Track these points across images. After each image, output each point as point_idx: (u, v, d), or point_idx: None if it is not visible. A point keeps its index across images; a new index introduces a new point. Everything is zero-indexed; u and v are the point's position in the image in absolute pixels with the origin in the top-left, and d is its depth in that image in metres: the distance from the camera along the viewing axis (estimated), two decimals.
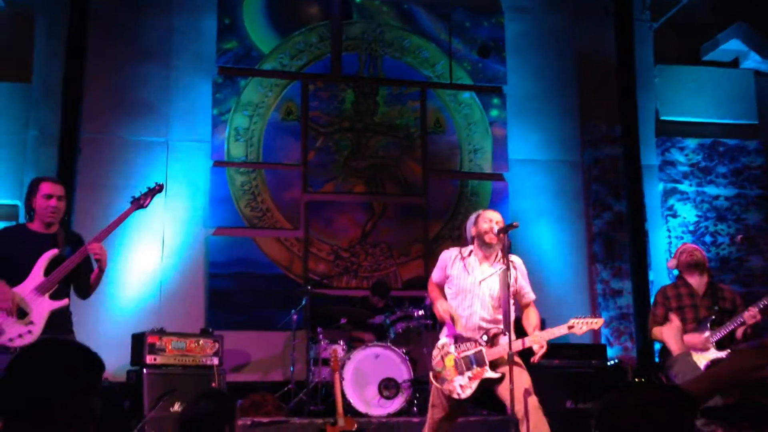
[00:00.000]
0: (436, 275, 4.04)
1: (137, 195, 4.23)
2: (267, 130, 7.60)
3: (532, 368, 6.25)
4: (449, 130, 7.98)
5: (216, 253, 7.20)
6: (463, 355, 3.84)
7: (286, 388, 6.20)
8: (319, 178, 7.62)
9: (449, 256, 4.00)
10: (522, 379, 3.81)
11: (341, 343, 6.10)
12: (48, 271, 3.85)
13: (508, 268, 3.86)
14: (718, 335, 4.46)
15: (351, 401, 5.67)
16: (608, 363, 6.67)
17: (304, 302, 6.25)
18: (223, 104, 7.52)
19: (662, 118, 8.25)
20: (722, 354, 4.44)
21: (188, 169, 7.30)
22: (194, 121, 7.43)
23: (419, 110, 7.96)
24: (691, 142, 8.26)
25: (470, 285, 3.90)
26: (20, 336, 3.72)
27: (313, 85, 7.79)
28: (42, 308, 3.80)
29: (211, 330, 5.86)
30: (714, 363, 4.40)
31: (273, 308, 6.82)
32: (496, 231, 3.89)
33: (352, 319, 6.61)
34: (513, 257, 4.01)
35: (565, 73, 8.18)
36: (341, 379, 5.43)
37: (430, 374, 3.97)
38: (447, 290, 3.98)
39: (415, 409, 5.80)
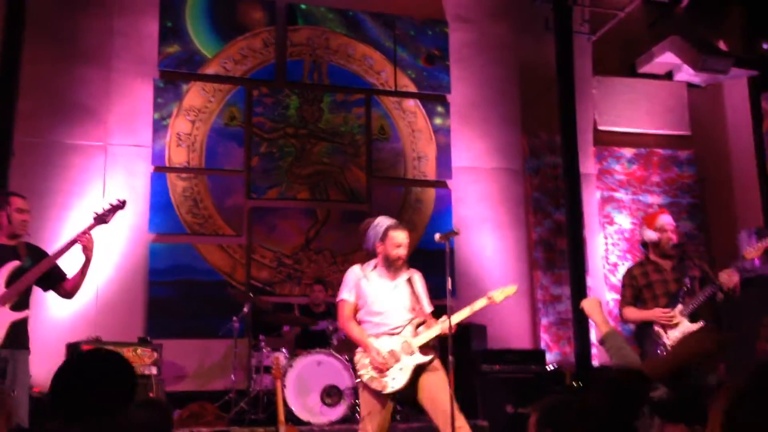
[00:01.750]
0: (348, 296, 4.05)
1: (100, 211, 4.25)
2: (210, 136, 7.51)
3: (474, 374, 6.35)
4: (394, 138, 8.03)
5: (156, 260, 7.07)
6: (387, 350, 3.93)
7: (226, 397, 6.13)
8: (262, 184, 7.57)
9: (357, 274, 4.08)
10: (443, 383, 3.95)
11: (283, 350, 6.06)
12: (9, 283, 3.90)
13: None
14: (692, 306, 4.38)
15: (293, 409, 5.64)
16: (547, 368, 6.81)
17: (245, 309, 6.19)
18: (165, 108, 7.41)
19: (600, 128, 8.47)
20: (697, 325, 4.36)
21: (128, 175, 7.16)
22: (134, 125, 7.29)
23: (364, 117, 7.99)
24: (627, 152, 8.51)
25: (382, 298, 4.01)
26: None
27: (258, 90, 7.74)
28: (3, 319, 3.83)
29: (149, 338, 5.76)
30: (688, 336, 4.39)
31: (214, 316, 6.73)
32: (404, 256, 4.03)
33: (294, 326, 6.58)
34: (413, 271, 4.16)
35: (507, 82, 8.33)
36: (283, 386, 5.40)
37: (358, 382, 4.00)
38: (360, 307, 4.05)
39: (357, 416, 5.80)
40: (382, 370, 3.89)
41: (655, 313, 4.49)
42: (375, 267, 4.07)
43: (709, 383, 4.34)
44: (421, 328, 4.01)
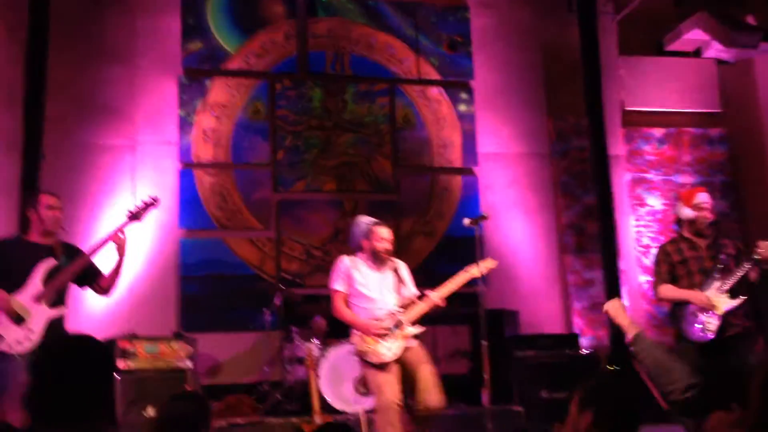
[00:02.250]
0: (340, 285, 4.43)
1: (133, 209, 4.33)
2: (235, 131, 7.54)
3: (507, 360, 6.31)
4: (418, 126, 7.99)
5: (187, 255, 7.13)
6: (381, 326, 4.34)
7: (261, 389, 6.16)
8: (288, 177, 7.59)
9: (347, 265, 4.46)
10: (426, 356, 4.42)
11: (316, 341, 6.08)
12: (46, 281, 3.98)
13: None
14: (729, 283, 4.32)
15: (327, 399, 5.66)
16: (581, 352, 6.74)
17: (276, 301, 6.21)
18: (190, 105, 7.45)
19: (628, 108, 8.34)
20: (736, 302, 4.29)
21: (156, 172, 7.22)
22: (161, 122, 7.34)
23: (388, 107, 7.95)
24: (657, 132, 8.37)
25: (372, 285, 4.43)
26: (19, 342, 3.84)
27: (281, 84, 7.75)
28: (41, 316, 3.93)
29: (183, 333, 5.81)
30: (729, 312, 4.28)
31: (246, 309, 6.77)
32: (390, 249, 4.47)
33: (326, 316, 6.58)
34: (397, 261, 4.62)
35: (531, 66, 8.24)
36: (317, 377, 5.41)
37: (359, 360, 4.36)
38: (351, 295, 4.43)
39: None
40: (380, 336, 4.27)
41: (695, 295, 4.39)
42: (363, 259, 4.48)
43: (749, 362, 4.27)
44: (410, 307, 4.45)
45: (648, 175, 8.24)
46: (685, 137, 8.40)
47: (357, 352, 4.35)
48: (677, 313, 4.50)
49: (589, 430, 2.21)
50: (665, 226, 8.01)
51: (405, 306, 4.45)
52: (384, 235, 4.48)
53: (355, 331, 4.38)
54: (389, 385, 4.23)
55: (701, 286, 4.41)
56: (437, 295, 4.44)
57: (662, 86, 8.42)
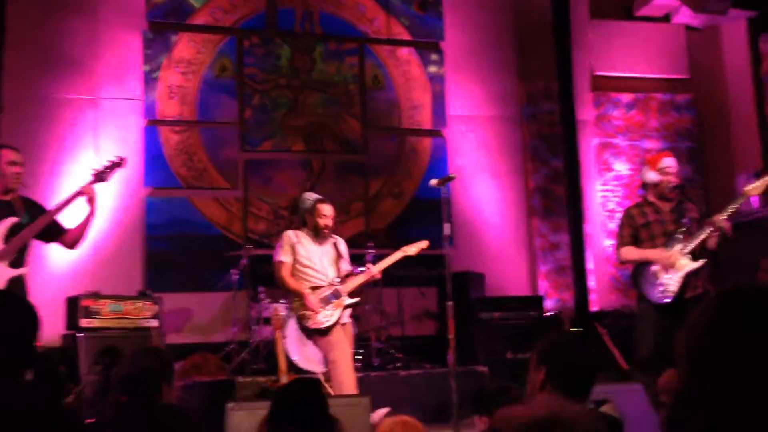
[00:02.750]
0: (286, 257, 4.74)
1: (99, 168, 4.23)
2: (201, 88, 7.39)
3: (473, 322, 6.38)
4: (388, 87, 7.92)
5: (152, 214, 7.02)
6: (321, 295, 4.72)
7: (227, 349, 6.15)
8: (256, 136, 7.48)
9: (291, 239, 4.76)
10: (350, 339, 4.89)
11: (283, 301, 6.06)
12: (7, 239, 3.86)
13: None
14: (691, 245, 4.41)
15: (293, 359, 5.66)
16: (546, 314, 6.85)
17: (244, 262, 6.17)
18: (155, 60, 7.26)
19: (597, 73, 8.35)
20: (697, 264, 4.39)
21: (120, 129, 7.05)
22: (124, 77, 7.15)
23: (357, 66, 7.86)
24: (625, 97, 8.41)
25: (314, 258, 4.78)
26: None
27: (248, 41, 7.59)
28: (1, 275, 3.82)
29: (149, 292, 5.75)
30: (690, 274, 4.40)
31: (212, 269, 6.71)
32: (330, 225, 4.80)
33: None
34: (337, 237, 4.97)
35: (503, 28, 8.18)
36: (283, 337, 5.40)
37: (298, 325, 4.69)
38: (295, 265, 4.75)
39: (358, 364, 5.84)
40: (317, 310, 4.63)
41: (657, 253, 4.48)
42: (306, 234, 4.79)
43: None
44: (348, 279, 4.84)
45: (615, 140, 8.30)
46: (652, 103, 8.46)
47: (297, 317, 4.66)
48: (639, 274, 4.59)
49: (543, 387, 2.25)
50: (631, 191, 8.10)
51: (343, 278, 4.83)
52: (326, 212, 4.78)
53: (295, 298, 4.72)
54: (339, 345, 4.66)
55: (663, 247, 4.49)
56: (376, 268, 4.90)
57: (631, 51, 8.43)
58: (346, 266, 4.99)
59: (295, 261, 4.77)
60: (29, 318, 1.83)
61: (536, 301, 6.91)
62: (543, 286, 7.78)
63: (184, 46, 7.39)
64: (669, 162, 4.67)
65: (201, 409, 4.88)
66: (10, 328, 1.68)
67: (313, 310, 4.65)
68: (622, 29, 8.47)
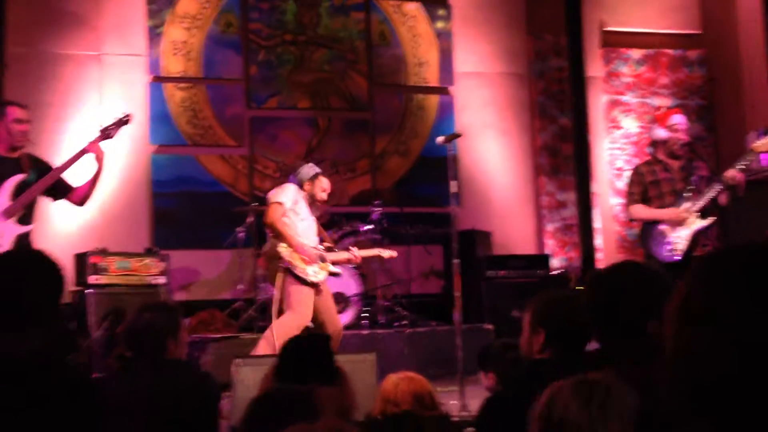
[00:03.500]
0: (286, 201, 4.60)
1: (105, 125, 4.21)
2: (206, 44, 7.30)
3: (479, 280, 6.40)
4: (394, 43, 7.81)
5: (159, 171, 7.01)
6: (315, 250, 4.67)
7: (234, 306, 6.19)
8: (262, 93, 7.42)
9: (296, 193, 4.67)
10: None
11: None
12: (14, 196, 3.88)
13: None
14: (700, 203, 4.39)
15: None
16: (552, 273, 6.86)
17: (250, 219, 6.18)
18: (158, 16, 7.17)
19: (607, 28, 8.21)
20: (706, 222, 4.37)
21: (124, 85, 6.99)
22: (128, 33, 7.06)
23: (363, 22, 7.74)
24: (636, 53, 8.28)
25: (309, 220, 4.75)
26: None
27: None
28: (9, 232, 3.85)
29: (156, 249, 5.77)
30: (698, 232, 4.41)
31: (219, 227, 6.71)
32: (325, 199, 4.82)
33: None
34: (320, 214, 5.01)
35: None
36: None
37: (284, 271, 4.50)
38: (293, 216, 4.63)
39: (365, 322, 5.89)
40: (310, 259, 4.55)
41: (666, 212, 4.45)
42: (303, 197, 4.73)
43: None
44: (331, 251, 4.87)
45: (624, 98, 8.19)
46: (663, 59, 8.32)
47: (286, 263, 4.49)
48: (646, 233, 4.56)
49: (543, 350, 2.24)
50: (640, 149, 8.03)
51: (325, 248, 4.83)
52: (326, 185, 4.80)
53: (284, 245, 4.53)
54: (307, 306, 4.52)
55: (672, 206, 4.46)
56: (359, 253, 4.91)
57: (643, 5, 8.27)
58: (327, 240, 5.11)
59: (291, 213, 4.65)
60: (59, 277, 1.90)
61: (543, 259, 6.91)
62: (549, 244, 7.77)
63: (188, 1, 7.28)
64: (678, 119, 4.62)
65: (208, 364, 4.94)
66: (44, 286, 1.71)
67: (309, 258, 4.55)
68: None
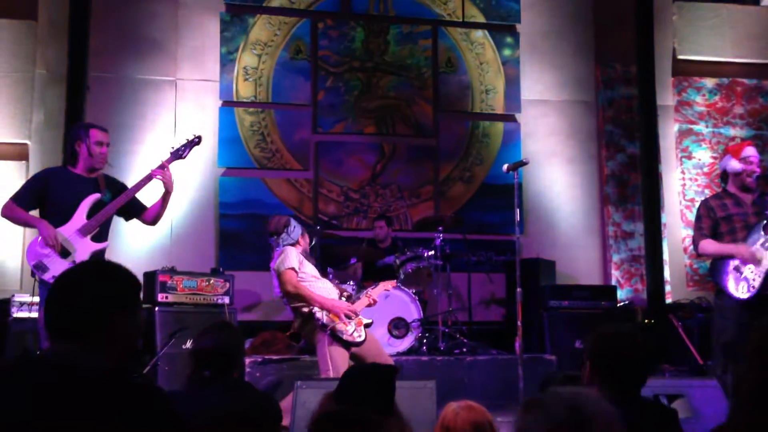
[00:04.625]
0: (297, 266, 4.56)
1: (176, 146, 4.38)
2: (276, 70, 7.49)
3: (542, 310, 6.30)
4: (461, 70, 7.84)
5: (226, 193, 7.19)
6: (350, 307, 4.59)
7: (295, 328, 6.23)
8: (328, 118, 7.54)
9: (298, 255, 4.61)
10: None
11: (351, 283, 6.12)
12: (90, 215, 4.05)
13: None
14: None
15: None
16: (618, 304, 6.69)
17: (313, 243, 6.25)
18: (231, 43, 7.40)
19: (679, 57, 8.05)
20: None
21: (197, 109, 7.23)
22: (202, 59, 7.32)
23: (430, 49, 7.80)
24: (708, 82, 8.09)
25: (322, 279, 4.73)
26: None
27: (323, 23, 7.64)
28: (85, 249, 4.01)
29: (222, 269, 5.90)
30: None
31: None
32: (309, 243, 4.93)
33: (362, 259, 6.62)
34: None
35: (580, 11, 7.98)
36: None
37: (327, 335, 4.42)
38: (312, 280, 4.60)
39: (424, 348, 5.86)
40: (347, 317, 4.49)
41: (738, 248, 4.30)
42: (302, 252, 4.72)
43: None
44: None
45: (697, 127, 8.00)
46: (737, 88, 8.10)
47: (330, 329, 4.42)
48: (718, 268, 4.39)
49: (591, 381, 2.19)
50: (712, 180, 7.81)
51: (346, 297, 4.75)
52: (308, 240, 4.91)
53: (317, 308, 4.47)
54: (344, 369, 4.48)
55: (744, 241, 4.31)
56: (375, 293, 4.81)
57: (717, 34, 8.09)
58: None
59: (302, 274, 4.61)
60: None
61: (608, 291, 6.75)
62: (615, 275, 7.60)
63: (261, 28, 7.50)
64: (751, 151, 4.48)
65: (269, 385, 4.99)
66: (113, 297, 1.72)
67: (354, 312, 4.52)
68: (708, 11, 8.13)
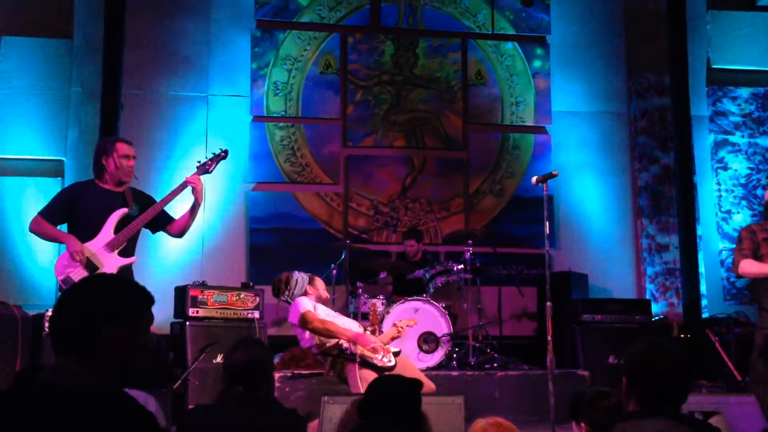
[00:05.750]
0: (311, 307, 4.61)
1: (203, 161, 4.40)
2: (306, 84, 7.55)
3: (574, 324, 6.20)
4: (491, 82, 7.81)
5: (256, 208, 7.24)
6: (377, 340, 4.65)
7: None
8: (358, 132, 7.56)
9: (310, 302, 4.65)
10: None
11: (381, 297, 6.10)
12: (117, 229, 4.06)
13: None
14: None
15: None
16: (653, 319, 6.56)
17: (343, 256, 6.25)
18: (262, 58, 7.48)
19: (714, 66, 7.92)
20: None
21: (228, 124, 7.31)
22: (233, 75, 7.41)
23: (460, 62, 7.79)
24: (744, 92, 7.93)
25: (340, 317, 4.81)
26: None
27: (352, 37, 7.68)
28: (111, 264, 4.02)
29: (252, 284, 5.92)
30: None
31: (313, 263, 6.80)
32: (328, 298, 4.95)
33: (391, 273, 6.60)
34: None
35: (611, 21, 7.90)
36: (380, 332, 5.44)
37: (356, 363, 4.45)
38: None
39: (454, 363, 5.81)
40: (377, 350, 4.52)
41: None
42: (313, 298, 4.75)
43: None
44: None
45: (732, 137, 7.85)
46: None
47: (359, 356, 4.47)
48: (759, 286, 4.45)
49: (628, 398, 2.15)
50: (749, 191, 7.65)
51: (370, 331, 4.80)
52: (323, 285, 4.90)
53: (345, 342, 4.52)
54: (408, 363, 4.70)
55: None
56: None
57: (752, 43, 7.95)
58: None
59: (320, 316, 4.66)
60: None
61: (643, 304, 6.61)
62: (649, 289, 7.47)
63: (291, 43, 7.57)
64: None
65: (299, 400, 4.99)
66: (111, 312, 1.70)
67: (383, 343, 4.58)
68: (743, 20, 7.99)
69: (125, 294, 1.73)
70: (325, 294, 4.86)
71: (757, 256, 4.42)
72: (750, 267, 4.41)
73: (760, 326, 4.43)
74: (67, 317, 1.67)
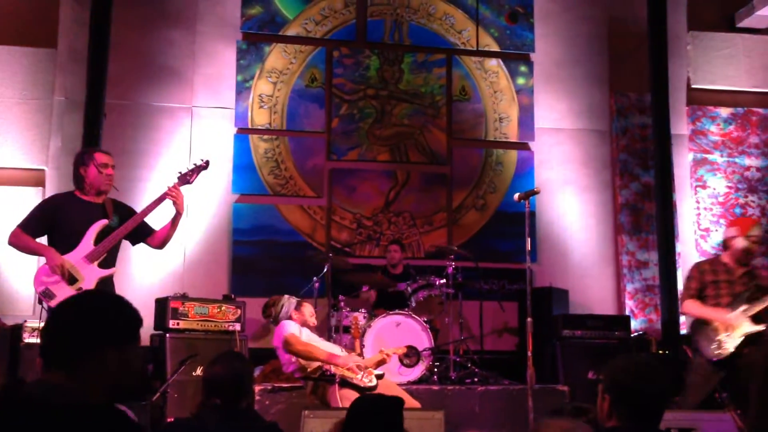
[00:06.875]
0: (296, 330, 4.71)
1: (184, 171, 4.34)
2: (291, 97, 7.56)
3: (554, 339, 6.24)
4: (475, 98, 7.87)
5: (239, 220, 7.23)
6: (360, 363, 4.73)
7: None
8: (342, 145, 7.59)
9: (295, 329, 4.71)
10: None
11: (363, 311, 6.11)
12: (98, 241, 4.02)
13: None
14: (755, 310, 4.43)
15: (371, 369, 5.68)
16: (632, 335, 6.62)
17: (325, 270, 6.25)
18: (247, 71, 7.49)
19: (694, 86, 8.05)
20: (759, 327, 4.41)
21: (212, 136, 7.31)
22: (218, 87, 7.41)
23: (444, 78, 7.85)
24: (723, 111, 8.06)
25: (324, 342, 4.89)
26: None
27: (338, 51, 7.72)
28: (91, 276, 3.98)
29: (233, 296, 5.91)
30: (748, 337, 4.38)
31: (295, 276, 6.83)
32: (315, 324, 4.97)
33: (373, 286, 6.61)
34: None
35: (594, 39, 8.01)
36: (362, 346, 5.44)
37: (338, 385, 4.52)
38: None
39: (435, 377, 5.81)
40: (357, 370, 4.61)
41: (718, 314, 4.50)
42: (299, 322, 4.83)
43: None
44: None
45: (711, 156, 7.96)
46: (753, 117, 8.07)
47: (339, 376, 4.55)
48: (697, 328, 4.64)
49: (609, 415, 2.17)
50: (727, 210, 7.75)
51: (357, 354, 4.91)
52: (311, 310, 4.97)
53: (328, 366, 4.61)
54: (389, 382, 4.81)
55: (728, 307, 4.51)
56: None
57: (731, 64, 8.08)
58: None
59: (304, 339, 4.76)
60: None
61: (622, 321, 6.68)
62: (629, 305, 7.53)
63: (276, 56, 7.59)
64: (757, 231, 4.73)
65: (280, 413, 4.97)
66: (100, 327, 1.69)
67: (364, 366, 4.65)
68: (723, 41, 8.13)
69: (124, 315, 1.73)
70: (312, 321, 4.91)
71: (702, 296, 4.62)
72: (693, 308, 4.64)
73: (695, 368, 4.61)
74: (64, 332, 1.65)
